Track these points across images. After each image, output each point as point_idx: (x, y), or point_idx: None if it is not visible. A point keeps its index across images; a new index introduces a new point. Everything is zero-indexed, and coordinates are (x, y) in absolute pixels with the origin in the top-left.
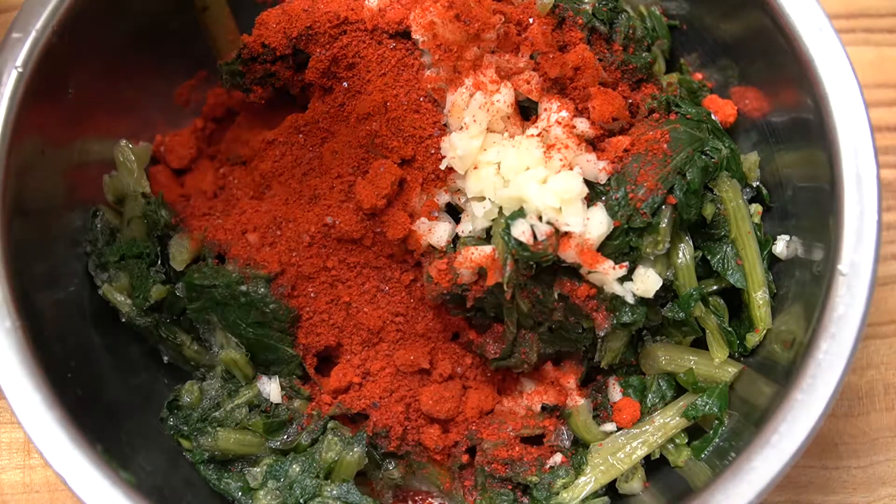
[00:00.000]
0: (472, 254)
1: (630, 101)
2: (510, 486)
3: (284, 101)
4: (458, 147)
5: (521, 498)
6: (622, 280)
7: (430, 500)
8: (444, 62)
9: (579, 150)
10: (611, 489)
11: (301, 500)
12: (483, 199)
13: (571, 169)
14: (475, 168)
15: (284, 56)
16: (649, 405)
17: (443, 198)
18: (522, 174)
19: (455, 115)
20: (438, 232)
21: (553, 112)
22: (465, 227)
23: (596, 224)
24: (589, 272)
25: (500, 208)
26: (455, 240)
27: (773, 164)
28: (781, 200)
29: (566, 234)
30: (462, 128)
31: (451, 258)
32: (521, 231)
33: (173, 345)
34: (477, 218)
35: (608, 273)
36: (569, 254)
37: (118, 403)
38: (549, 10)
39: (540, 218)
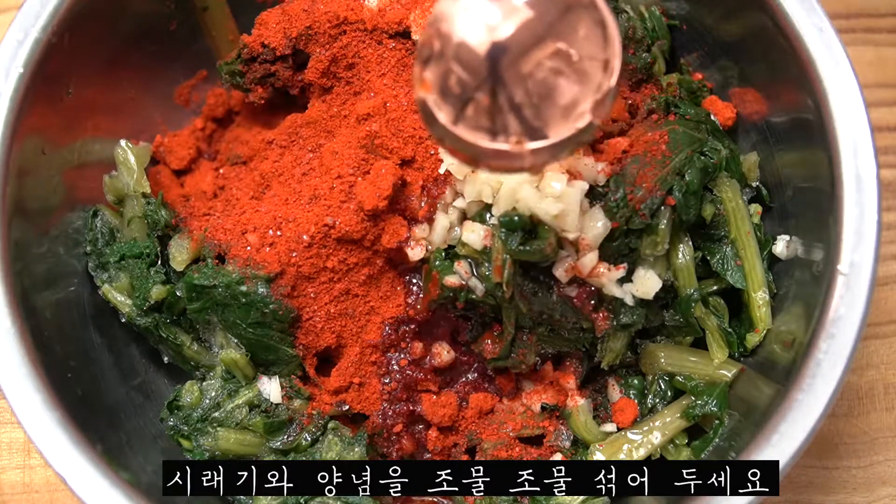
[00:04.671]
0: (461, 268)
1: (629, 101)
2: None
3: (284, 101)
4: None
5: (521, 498)
6: (621, 281)
7: (430, 500)
8: None
9: (578, 154)
10: None
11: (302, 500)
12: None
13: (570, 174)
14: (473, 172)
15: (284, 56)
16: (649, 405)
17: (458, 201)
18: (519, 180)
19: None
20: (415, 252)
21: None
22: (467, 236)
23: (594, 226)
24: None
25: (491, 210)
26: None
27: (773, 165)
28: (781, 200)
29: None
30: None
31: (440, 271)
32: (519, 237)
33: (173, 345)
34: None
35: (604, 276)
36: (563, 263)
37: (118, 403)
38: None
39: (537, 221)
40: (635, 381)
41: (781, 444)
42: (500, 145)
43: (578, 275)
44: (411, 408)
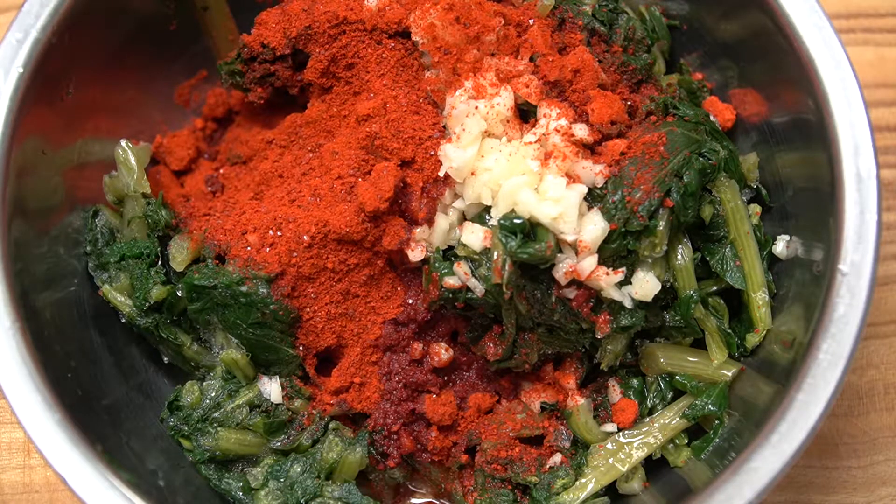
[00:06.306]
0: (461, 269)
1: (629, 102)
2: (510, 487)
3: (284, 101)
4: (452, 158)
5: (521, 498)
6: (620, 284)
7: (431, 500)
8: (443, 64)
9: (577, 157)
10: (611, 489)
11: (302, 501)
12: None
13: (569, 177)
14: (472, 174)
15: (284, 56)
16: (649, 406)
17: (457, 202)
18: (518, 182)
19: (453, 119)
20: (415, 253)
21: (552, 119)
22: (467, 237)
23: (592, 228)
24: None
25: (490, 212)
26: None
27: (773, 165)
28: (781, 201)
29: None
30: (457, 136)
31: (440, 272)
32: (518, 239)
33: (173, 345)
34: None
35: (603, 279)
36: (562, 265)
37: (118, 403)
38: (549, 11)
39: (536, 223)
40: (635, 382)
41: (781, 444)
42: None
43: (577, 278)
44: (412, 407)
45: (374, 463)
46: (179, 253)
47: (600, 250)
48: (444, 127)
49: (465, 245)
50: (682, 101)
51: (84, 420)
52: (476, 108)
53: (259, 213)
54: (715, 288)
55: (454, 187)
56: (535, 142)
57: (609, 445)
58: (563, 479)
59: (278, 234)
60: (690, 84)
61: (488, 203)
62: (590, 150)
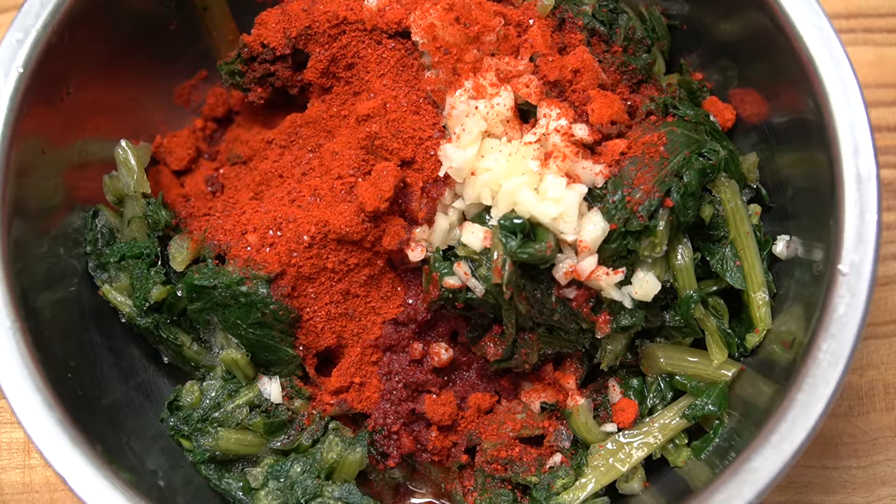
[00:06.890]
0: (461, 269)
1: (629, 102)
2: (510, 487)
3: (284, 101)
4: (452, 158)
5: (521, 498)
6: (620, 284)
7: (431, 500)
8: (443, 64)
9: (577, 157)
10: (611, 489)
11: (302, 501)
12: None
13: (569, 177)
14: (472, 174)
15: (284, 56)
16: (649, 406)
17: (457, 202)
18: (518, 182)
19: (453, 119)
20: (415, 253)
21: (552, 119)
22: (467, 237)
23: (592, 228)
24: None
25: (490, 212)
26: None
27: (773, 165)
28: (781, 201)
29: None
30: (457, 136)
31: (440, 272)
32: (518, 239)
33: (173, 345)
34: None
35: (603, 279)
36: (562, 265)
37: (118, 403)
38: (549, 11)
39: (536, 223)
40: (635, 382)
41: (781, 444)
42: None
43: (577, 278)
44: (412, 407)
45: (374, 463)
46: (179, 253)
47: (600, 250)
48: (444, 127)
49: (465, 245)
50: (682, 101)
51: (84, 420)
52: (476, 108)
53: (259, 213)
54: (715, 288)
55: (454, 187)
56: (535, 142)
57: (609, 445)
58: (563, 479)
59: (278, 234)
60: (690, 84)
61: (488, 203)
62: (590, 150)
